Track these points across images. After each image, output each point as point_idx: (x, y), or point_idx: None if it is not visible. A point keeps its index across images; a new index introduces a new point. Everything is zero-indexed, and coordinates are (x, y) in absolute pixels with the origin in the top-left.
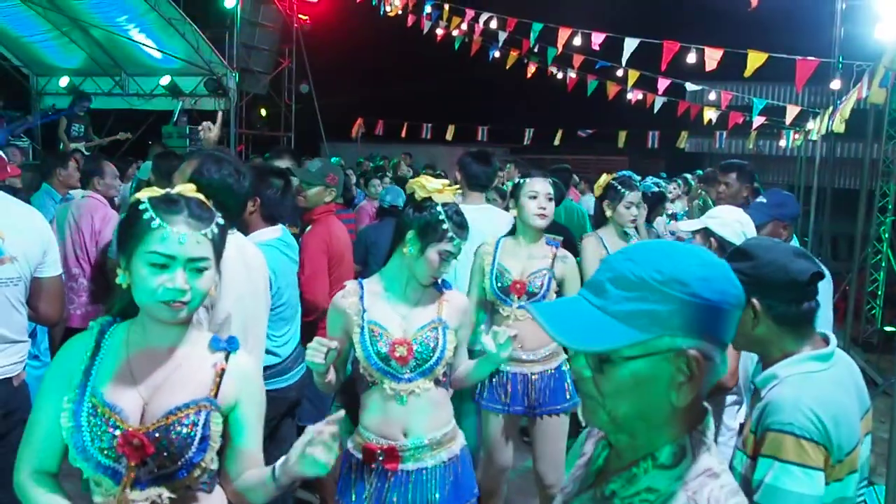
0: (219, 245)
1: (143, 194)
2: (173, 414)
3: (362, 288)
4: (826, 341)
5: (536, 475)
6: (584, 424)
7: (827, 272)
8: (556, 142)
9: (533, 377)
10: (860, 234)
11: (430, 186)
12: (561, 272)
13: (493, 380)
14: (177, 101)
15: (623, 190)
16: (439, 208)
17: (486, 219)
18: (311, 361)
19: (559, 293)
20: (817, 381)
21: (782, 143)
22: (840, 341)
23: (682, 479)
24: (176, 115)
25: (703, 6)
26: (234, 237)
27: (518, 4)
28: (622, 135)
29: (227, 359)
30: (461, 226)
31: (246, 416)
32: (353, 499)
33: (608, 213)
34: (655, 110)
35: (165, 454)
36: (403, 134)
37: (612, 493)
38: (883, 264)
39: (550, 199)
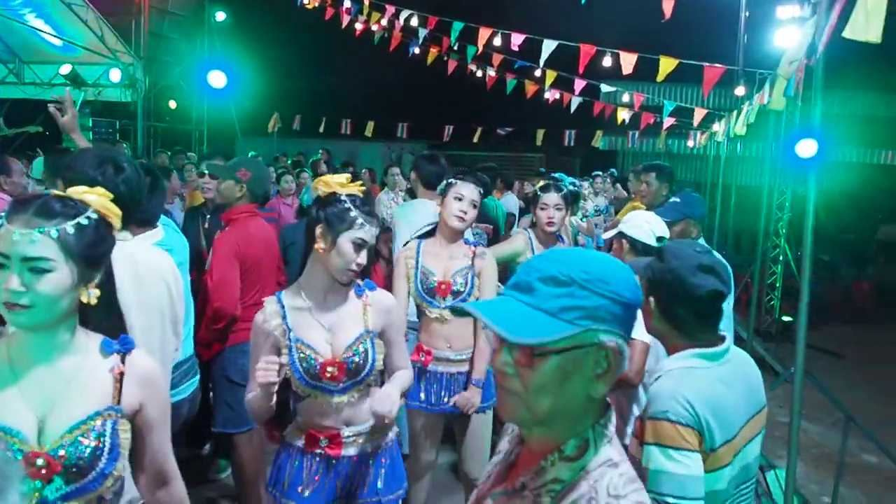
0: (77, 246)
1: None
2: (77, 428)
3: (283, 306)
4: (722, 340)
5: (462, 472)
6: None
7: (728, 266)
8: (476, 139)
9: (458, 376)
10: (762, 230)
11: (333, 181)
12: (479, 267)
13: (420, 379)
14: (78, 91)
15: (539, 192)
16: (344, 198)
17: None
18: (265, 382)
19: (479, 287)
20: (697, 375)
21: (690, 142)
22: (743, 332)
23: (585, 469)
24: (78, 106)
25: (619, 13)
26: (123, 244)
27: (439, 3)
28: (540, 133)
29: (123, 361)
30: (369, 213)
31: (153, 417)
32: (286, 486)
33: (534, 216)
34: (572, 110)
35: (74, 470)
36: (322, 129)
37: (522, 486)
38: (781, 258)
39: (475, 207)
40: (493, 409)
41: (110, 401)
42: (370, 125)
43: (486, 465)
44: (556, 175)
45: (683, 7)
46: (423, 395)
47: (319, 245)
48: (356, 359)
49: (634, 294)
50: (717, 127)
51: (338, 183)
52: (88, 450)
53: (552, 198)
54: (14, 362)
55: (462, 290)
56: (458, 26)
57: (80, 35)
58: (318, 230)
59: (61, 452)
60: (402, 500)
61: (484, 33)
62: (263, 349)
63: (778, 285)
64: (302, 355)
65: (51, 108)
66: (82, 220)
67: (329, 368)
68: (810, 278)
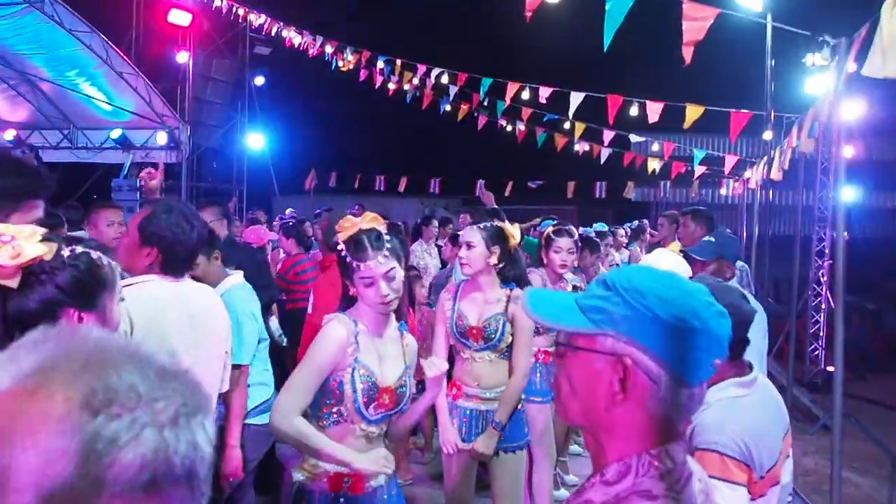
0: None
1: None
2: None
3: (355, 323)
4: (750, 367)
5: None
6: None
7: (760, 308)
8: (507, 193)
9: (487, 414)
10: (796, 278)
11: (348, 222)
12: (512, 313)
13: (451, 414)
14: (128, 154)
15: (553, 237)
16: (340, 245)
17: None
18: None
19: (514, 334)
20: (740, 405)
21: (723, 191)
22: (784, 381)
23: (615, 495)
24: (126, 168)
25: (644, 63)
26: (177, 284)
27: (468, 60)
28: (570, 185)
29: None
30: (376, 246)
31: None
32: None
33: (545, 258)
34: (602, 161)
35: None
36: (356, 186)
37: (566, 502)
38: (823, 306)
39: (470, 247)
40: (529, 449)
41: None
42: (403, 181)
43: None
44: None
45: (708, 55)
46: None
47: (350, 288)
48: (401, 391)
49: (676, 319)
50: (750, 173)
51: (351, 223)
52: None
53: (566, 242)
54: None
55: (493, 336)
56: (486, 82)
57: (129, 101)
58: (342, 272)
59: None
60: None
61: (512, 87)
62: (329, 364)
63: (821, 334)
64: (364, 379)
65: (143, 174)
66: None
67: (384, 395)
68: (844, 314)
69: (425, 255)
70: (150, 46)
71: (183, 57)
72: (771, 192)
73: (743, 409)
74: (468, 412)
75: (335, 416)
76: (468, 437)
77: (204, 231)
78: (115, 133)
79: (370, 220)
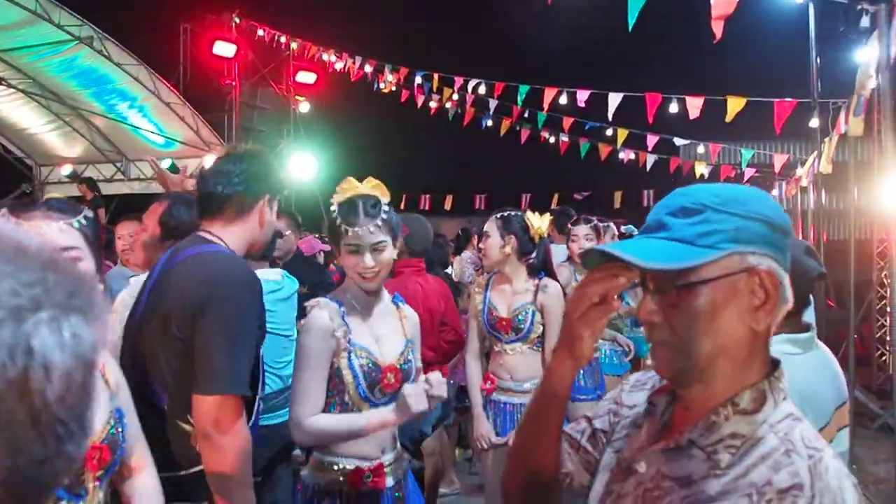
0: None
1: None
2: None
3: (340, 305)
4: (807, 328)
5: None
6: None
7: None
8: (554, 205)
9: (521, 407)
10: (852, 282)
11: (345, 185)
12: (542, 301)
13: (486, 408)
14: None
15: (571, 227)
16: (333, 207)
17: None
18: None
19: (544, 324)
20: (791, 362)
21: (774, 192)
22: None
23: (768, 423)
24: None
25: (681, 57)
26: None
27: (504, 70)
28: (617, 195)
29: None
30: (364, 213)
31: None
32: None
33: (569, 251)
34: (648, 168)
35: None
36: (402, 205)
37: (689, 443)
38: (888, 310)
39: (486, 238)
40: None
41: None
42: (448, 199)
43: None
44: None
45: (746, 44)
46: (492, 427)
47: (338, 258)
48: (406, 367)
49: (779, 215)
50: (801, 171)
51: (350, 186)
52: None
53: (582, 230)
54: None
55: (523, 327)
56: (524, 89)
57: (177, 131)
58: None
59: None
60: None
61: (549, 93)
62: (324, 355)
63: (888, 338)
64: (363, 361)
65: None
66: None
67: (388, 374)
68: None
69: (468, 267)
70: (197, 79)
71: (229, 87)
72: (824, 192)
73: (792, 367)
74: (503, 405)
75: (338, 408)
76: (503, 431)
77: None
78: (165, 163)
79: (372, 187)
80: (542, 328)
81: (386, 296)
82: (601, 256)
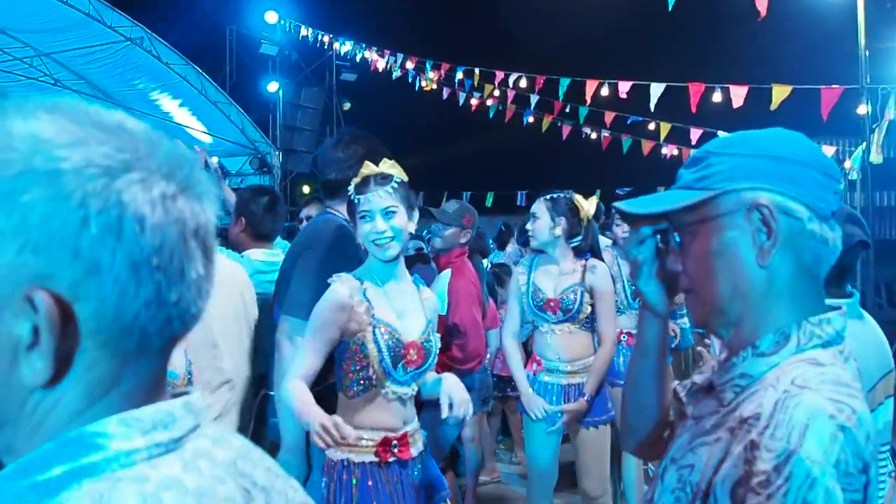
0: None
1: None
2: None
3: (362, 282)
4: (850, 297)
5: (581, 489)
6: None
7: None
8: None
9: (570, 388)
10: None
11: (370, 165)
12: (590, 282)
13: (534, 390)
14: (224, 181)
15: (613, 213)
16: (350, 187)
17: None
18: (315, 445)
19: (592, 304)
20: None
21: None
22: None
23: (777, 364)
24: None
25: (723, 44)
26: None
27: (545, 63)
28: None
29: None
30: (362, 184)
31: None
32: None
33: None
34: None
35: None
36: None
37: (710, 385)
38: None
39: (535, 219)
40: (613, 425)
41: None
42: (490, 196)
43: (606, 482)
44: None
45: (793, 34)
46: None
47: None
48: (428, 346)
49: (791, 147)
50: (848, 164)
51: (369, 168)
52: None
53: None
54: None
55: (572, 307)
56: (565, 81)
57: (224, 130)
58: None
59: None
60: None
61: (591, 85)
62: (328, 325)
63: None
64: (387, 335)
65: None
66: None
67: (411, 350)
68: None
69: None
70: (242, 78)
71: (273, 87)
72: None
73: None
74: (550, 386)
75: (363, 382)
76: (553, 415)
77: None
78: (213, 161)
79: (389, 167)
80: (590, 308)
81: (407, 275)
82: (619, 215)
